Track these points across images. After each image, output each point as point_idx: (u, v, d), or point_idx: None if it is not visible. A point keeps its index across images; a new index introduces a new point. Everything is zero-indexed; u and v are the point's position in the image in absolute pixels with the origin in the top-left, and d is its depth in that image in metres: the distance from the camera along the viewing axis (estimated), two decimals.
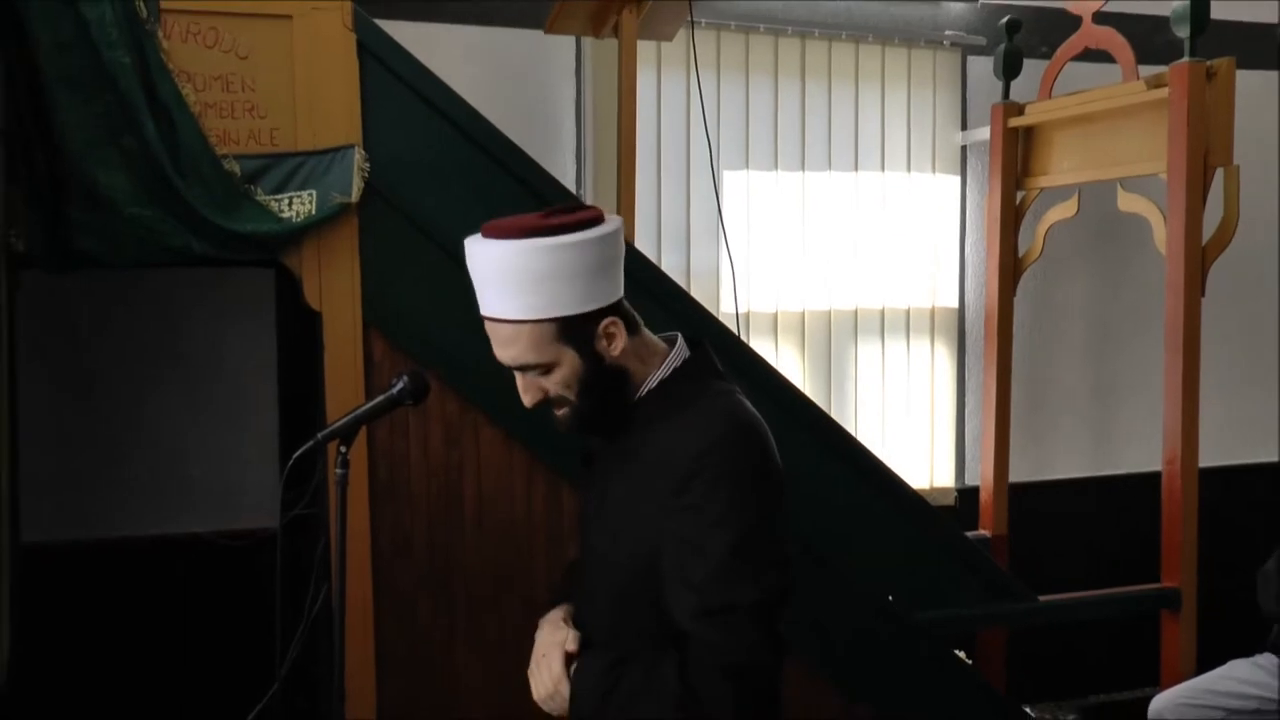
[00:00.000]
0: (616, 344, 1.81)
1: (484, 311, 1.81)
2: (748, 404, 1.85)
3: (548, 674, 1.86)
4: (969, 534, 4.13)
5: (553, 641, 1.89)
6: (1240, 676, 3.79)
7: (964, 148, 5.00)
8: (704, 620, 1.69)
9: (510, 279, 1.75)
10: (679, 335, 1.92)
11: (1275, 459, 5.36)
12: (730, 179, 4.59)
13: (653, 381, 1.86)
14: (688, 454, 1.74)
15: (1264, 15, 5.41)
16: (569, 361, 1.79)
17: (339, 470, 1.97)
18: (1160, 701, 3.77)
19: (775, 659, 1.74)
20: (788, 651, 1.78)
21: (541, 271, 1.73)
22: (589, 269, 1.76)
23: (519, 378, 1.83)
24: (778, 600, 1.74)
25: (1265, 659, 3.83)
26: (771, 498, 1.79)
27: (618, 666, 1.78)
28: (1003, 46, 4.48)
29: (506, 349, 1.80)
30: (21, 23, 2.51)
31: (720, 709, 1.68)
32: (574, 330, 1.77)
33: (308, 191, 2.75)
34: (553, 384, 1.81)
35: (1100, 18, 4.16)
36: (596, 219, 1.79)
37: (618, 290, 1.83)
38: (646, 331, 1.89)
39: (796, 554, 3.04)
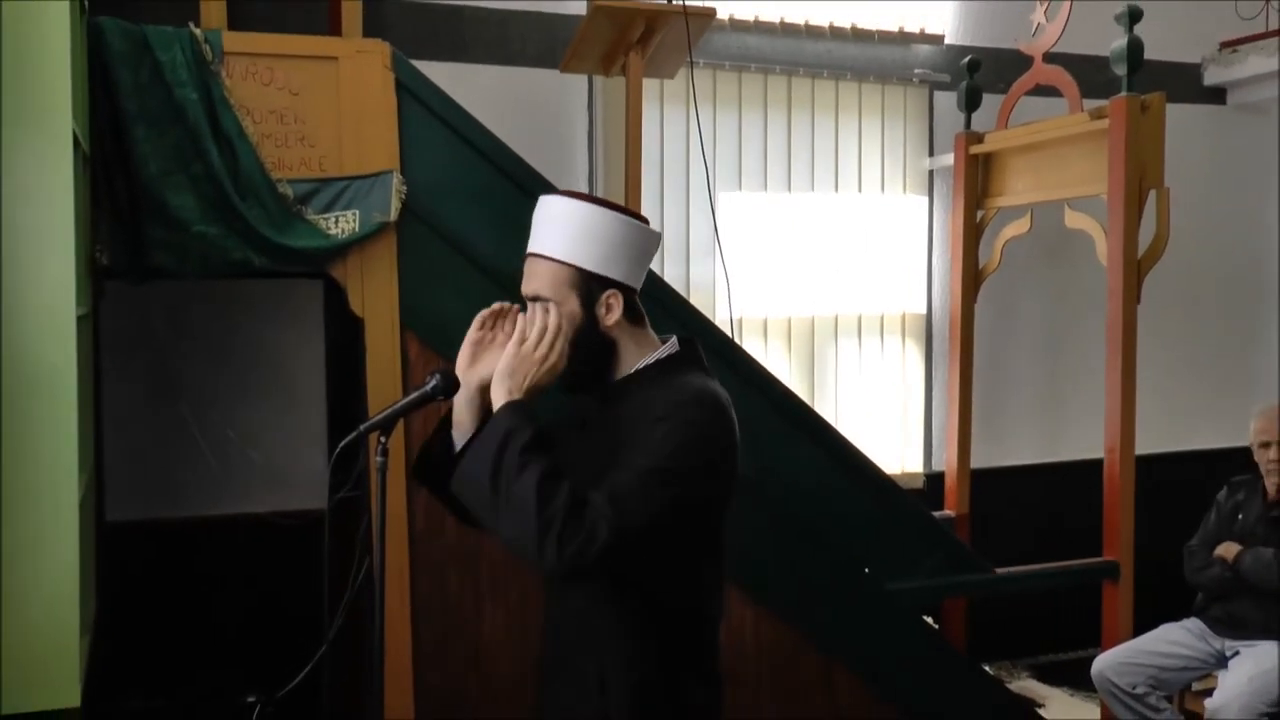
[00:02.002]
0: (612, 315, 1.86)
1: (530, 249, 1.89)
2: (723, 391, 1.88)
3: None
4: (935, 513, 4.13)
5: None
6: (1170, 639, 3.80)
7: (931, 172, 5.01)
8: (608, 491, 1.69)
9: (561, 226, 1.85)
10: (675, 336, 1.96)
11: (1204, 447, 5.37)
12: (725, 199, 4.60)
13: (642, 364, 1.89)
14: (665, 403, 1.78)
15: (1190, 56, 5.46)
16: (570, 308, 1.84)
17: (379, 458, 1.96)
18: (1102, 661, 3.78)
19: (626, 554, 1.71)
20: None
21: (585, 229, 1.84)
22: (618, 245, 1.85)
23: (529, 309, 1.88)
24: (659, 527, 1.72)
25: (1192, 623, 3.85)
26: (709, 464, 1.80)
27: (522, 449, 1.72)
28: (965, 83, 4.49)
29: (531, 281, 1.87)
30: (106, 67, 2.53)
31: (564, 537, 1.65)
32: (585, 284, 1.84)
33: (352, 211, 2.76)
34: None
35: (1050, 58, 4.17)
36: (643, 219, 1.92)
37: (634, 282, 1.90)
38: (650, 329, 1.93)
39: (786, 532, 3.06)
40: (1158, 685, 3.73)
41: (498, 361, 1.83)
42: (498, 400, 1.79)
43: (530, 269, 1.88)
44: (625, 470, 1.72)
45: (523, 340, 1.82)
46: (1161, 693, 3.75)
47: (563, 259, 1.84)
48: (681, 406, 1.78)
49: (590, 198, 1.89)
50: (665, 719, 1.84)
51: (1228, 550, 3.74)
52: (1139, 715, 3.71)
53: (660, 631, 1.84)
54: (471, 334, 1.91)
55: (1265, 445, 3.79)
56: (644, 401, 1.82)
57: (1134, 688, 3.70)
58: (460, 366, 1.91)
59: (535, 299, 1.87)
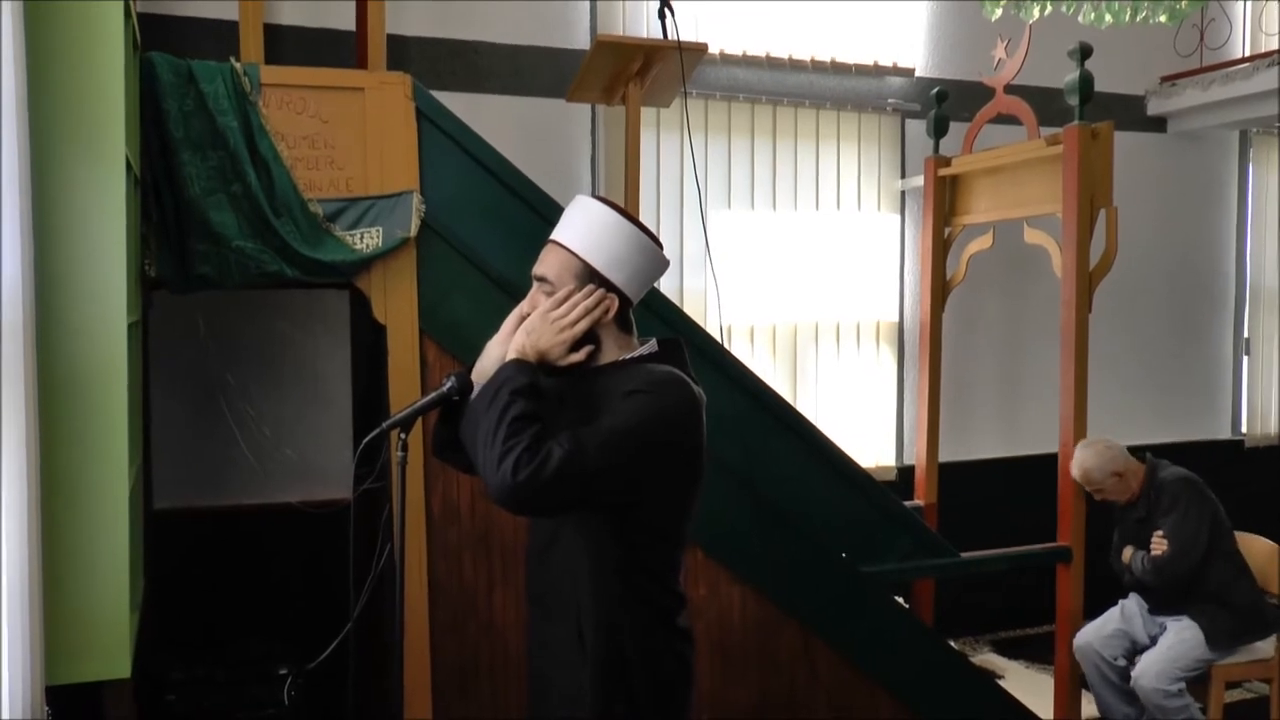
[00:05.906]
0: (603, 317, 1.86)
1: (552, 235, 1.91)
2: (696, 387, 1.88)
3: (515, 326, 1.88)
4: (906, 503, 4.14)
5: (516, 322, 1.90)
6: (1130, 612, 3.83)
7: (902, 192, 5.02)
8: (572, 436, 1.71)
9: (585, 223, 1.88)
10: (654, 339, 1.96)
11: (1148, 442, 5.36)
12: (716, 217, 4.62)
13: (619, 358, 1.89)
14: (639, 381, 1.80)
15: (1135, 89, 5.50)
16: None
17: (400, 453, 1.96)
18: (1086, 635, 3.81)
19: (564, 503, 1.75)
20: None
21: (604, 232, 1.86)
22: (628, 256, 1.87)
23: (533, 290, 1.90)
24: (614, 479, 1.75)
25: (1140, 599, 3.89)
26: (671, 443, 1.80)
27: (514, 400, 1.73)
28: (933, 112, 4.50)
29: (543, 264, 1.89)
30: (155, 97, 2.55)
31: (522, 459, 1.67)
32: (587, 278, 1.86)
33: (376, 228, 2.76)
34: None
35: (1010, 90, 4.18)
36: (659, 243, 1.93)
37: (632, 293, 1.90)
38: (635, 339, 1.93)
39: (769, 518, 3.06)
40: (1129, 655, 3.77)
41: None
42: (509, 355, 1.82)
43: (545, 253, 1.90)
44: (592, 427, 1.73)
45: (556, 306, 1.84)
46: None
47: (575, 251, 1.86)
48: (654, 384, 1.80)
49: (619, 209, 1.90)
50: (636, 666, 1.83)
51: (1126, 555, 3.77)
52: (1110, 683, 3.74)
53: (631, 587, 1.83)
54: (523, 307, 1.91)
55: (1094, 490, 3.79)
56: (619, 380, 1.82)
57: (1115, 659, 3.73)
58: (504, 333, 1.90)
59: (541, 280, 1.88)
